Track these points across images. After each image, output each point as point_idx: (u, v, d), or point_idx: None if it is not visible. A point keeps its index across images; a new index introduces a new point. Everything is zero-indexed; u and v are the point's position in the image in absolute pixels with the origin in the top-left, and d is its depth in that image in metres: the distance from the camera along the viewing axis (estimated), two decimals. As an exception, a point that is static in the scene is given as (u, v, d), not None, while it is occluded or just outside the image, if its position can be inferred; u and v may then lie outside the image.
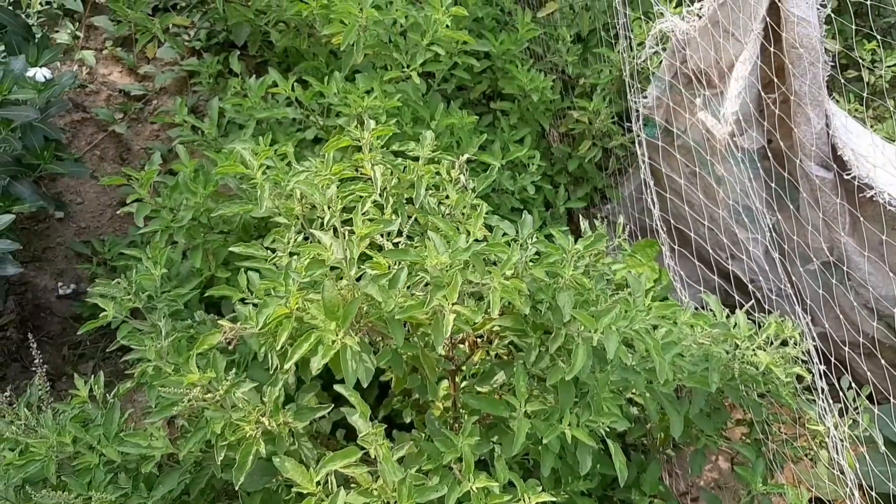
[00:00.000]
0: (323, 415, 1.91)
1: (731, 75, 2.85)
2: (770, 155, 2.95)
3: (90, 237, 3.47)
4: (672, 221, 3.17)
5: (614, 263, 2.18)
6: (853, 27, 2.76)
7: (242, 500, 1.97)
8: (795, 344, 2.30)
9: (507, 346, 2.15)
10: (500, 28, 3.52)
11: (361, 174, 2.15)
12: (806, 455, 2.56)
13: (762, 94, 2.80)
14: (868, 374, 2.59)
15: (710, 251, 3.06)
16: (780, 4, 2.60)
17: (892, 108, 3.50)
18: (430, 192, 2.19)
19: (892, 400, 2.47)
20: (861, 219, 2.73)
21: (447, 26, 2.83)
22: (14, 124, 2.85)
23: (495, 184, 3.09)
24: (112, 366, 3.11)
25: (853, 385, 2.42)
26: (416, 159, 2.18)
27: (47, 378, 2.18)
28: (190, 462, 2.01)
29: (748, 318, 2.32)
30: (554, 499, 1.81)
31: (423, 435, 2.03)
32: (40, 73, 2.97)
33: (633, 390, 2.20)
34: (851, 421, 2.38)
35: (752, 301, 2.56)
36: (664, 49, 3.05)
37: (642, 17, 3.28)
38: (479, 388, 2.08)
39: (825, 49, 2.63)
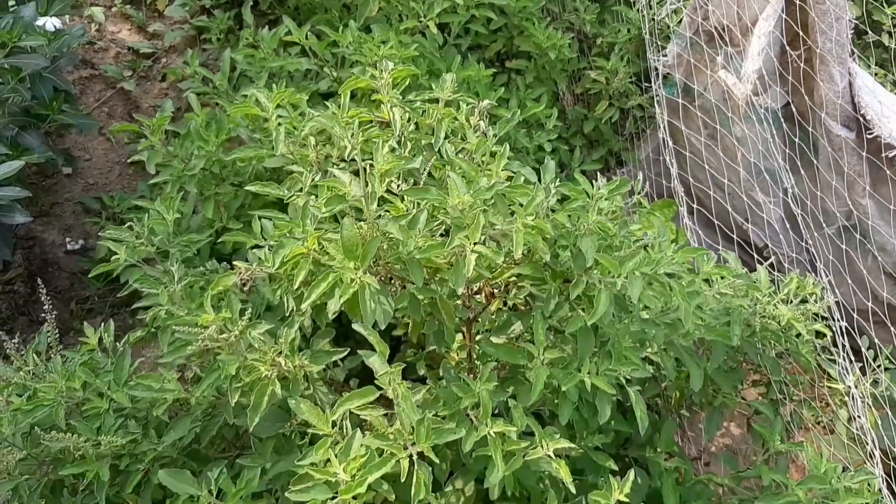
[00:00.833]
0: (337, 360, 1.88)
1: (753, 32, 2.79)
2: (794, 113, 2.89)
3: (98, 193, 3.43)
4: (691, 181, 3.12)
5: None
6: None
7: (255, 447, 1.94)
8: (816, 301, 2.26)
9: (524, 297, 2.12)
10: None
11: (378, 119, 2.10)
12: (821, 421, 2.52)
13: (787, 49, 2.74)
14: (879, 344, 2.54)
15: (730, 211, 3.01)
16: (807, -43, 2.54)
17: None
18: (449, 139, 2.14)
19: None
20: (889, 175, 2.67)
21: (465, -26, 2.78)
22: (23, 73, 2.81)
23: (512, 141, 3.03)
24: (121, 321, 3.08)
25: (875, 345, 2.38)
26: (434, 101, 2.13)
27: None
28: (201, 409, 1.97)
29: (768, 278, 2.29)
30: (572, 444, 1.78)
31: (439, 385, 1.99)
32: (50, 23, 2.93)
33: (649, 349, 2.16)
34: (872, 381, 2.34)
35: (773, 258, 2.51)
36: (685, 5, 2.98)
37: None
38: (494, 339, 2.05)
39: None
